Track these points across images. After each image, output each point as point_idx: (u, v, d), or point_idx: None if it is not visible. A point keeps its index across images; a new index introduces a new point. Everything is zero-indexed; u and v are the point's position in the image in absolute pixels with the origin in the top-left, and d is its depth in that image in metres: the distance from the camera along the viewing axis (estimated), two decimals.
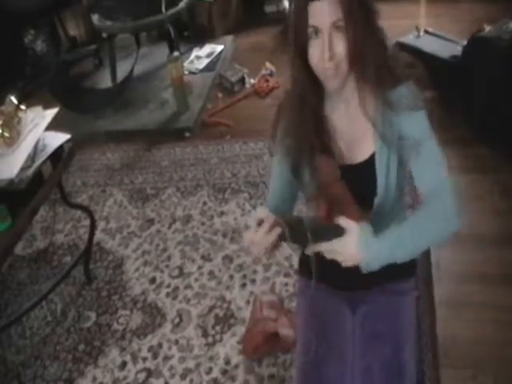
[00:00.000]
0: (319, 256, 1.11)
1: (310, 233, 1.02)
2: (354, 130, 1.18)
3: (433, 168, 1.13)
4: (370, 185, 1.17)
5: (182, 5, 3.28)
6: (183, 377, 1.83)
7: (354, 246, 1.04)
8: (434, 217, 1.08)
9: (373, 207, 1.19)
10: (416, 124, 1.12)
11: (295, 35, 1.07)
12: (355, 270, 1.07)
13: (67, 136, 1.85)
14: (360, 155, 1.18)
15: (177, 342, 1.95)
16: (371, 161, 1.16)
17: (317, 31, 1.03)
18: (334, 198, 1.15)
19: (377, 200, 1.18)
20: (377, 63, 1.07)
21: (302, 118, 1.16)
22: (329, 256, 1.07)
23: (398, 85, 1.12)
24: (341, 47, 1.03)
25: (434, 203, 1.10)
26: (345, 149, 1.19)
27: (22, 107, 1.79)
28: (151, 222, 2.52)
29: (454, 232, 1.10)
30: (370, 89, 1.12)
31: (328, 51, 1.03)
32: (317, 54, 1.05)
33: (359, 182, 1.18)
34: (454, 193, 1.10)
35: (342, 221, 1.06)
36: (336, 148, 1.19)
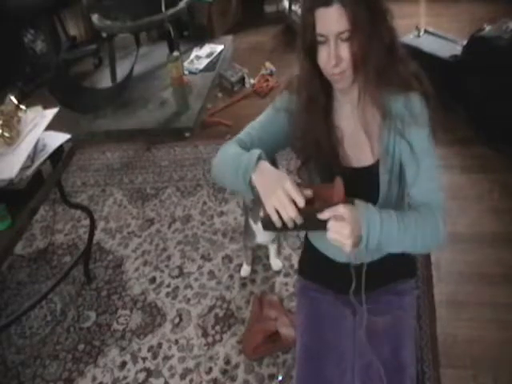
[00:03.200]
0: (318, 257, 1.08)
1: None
2: (360, 133, 1.18)
3: (430, 183, 1.13)
4: (372, 191, 1.17)
5: (181, 5, 3.28)
6: (183, 377, 1.83)
7: (359, 213, 1.01)
8: (425, 222, 1.09)
9: None
10: (415, 139, 1.11)
11: (303, 39, 1.08)
12: (356, 272, 1.06)
13: (67, 136, 1.84)
14: (365, 160, 1.18)
15: (177, 341, 1.95)
16: (375, 167, 1.16)
17: (323, 38, 1.04)
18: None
19: (378, 207, 1.17)
20: (380, 68, 1.06)
21: (312, 118, 1.15)
22: (333, 238, 1.00)
23: (403, 92, 1.11)
24: (346, 54, 1.03)
25: (426, 212, 1.10)
26: (350, 151, 1.19)
27: (22, 107, 1.79)
28: (151, 221, 2.52)
29: (437, 245, 1.12)
30: (374, 92, 1.11)
31: (334, 58, 1.03)
32: (323, 58, 1.06)
33: (361, 186, 1.18)
34: (445, 210, 1.11)
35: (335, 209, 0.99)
36: (342, 149, 1.19)
